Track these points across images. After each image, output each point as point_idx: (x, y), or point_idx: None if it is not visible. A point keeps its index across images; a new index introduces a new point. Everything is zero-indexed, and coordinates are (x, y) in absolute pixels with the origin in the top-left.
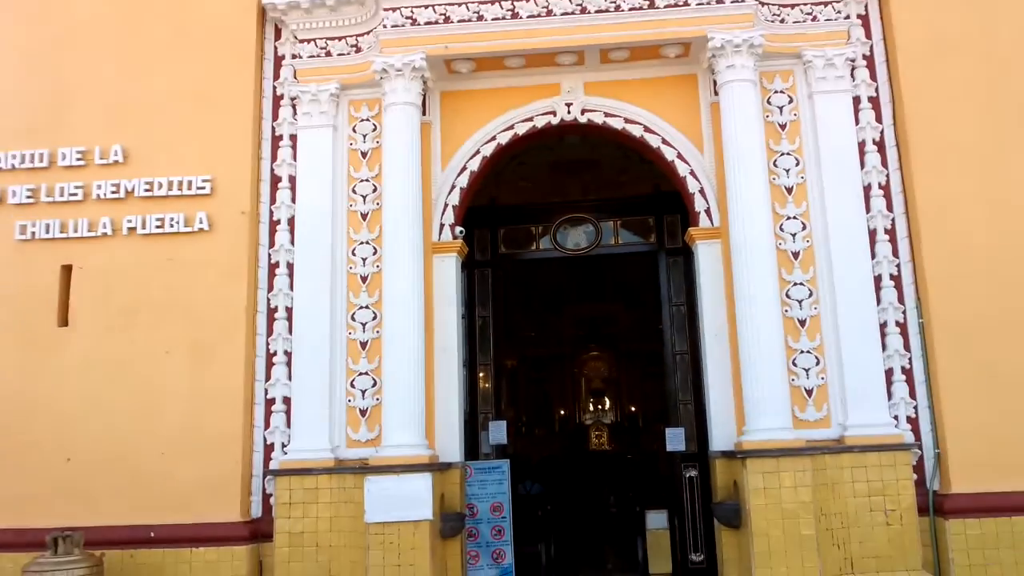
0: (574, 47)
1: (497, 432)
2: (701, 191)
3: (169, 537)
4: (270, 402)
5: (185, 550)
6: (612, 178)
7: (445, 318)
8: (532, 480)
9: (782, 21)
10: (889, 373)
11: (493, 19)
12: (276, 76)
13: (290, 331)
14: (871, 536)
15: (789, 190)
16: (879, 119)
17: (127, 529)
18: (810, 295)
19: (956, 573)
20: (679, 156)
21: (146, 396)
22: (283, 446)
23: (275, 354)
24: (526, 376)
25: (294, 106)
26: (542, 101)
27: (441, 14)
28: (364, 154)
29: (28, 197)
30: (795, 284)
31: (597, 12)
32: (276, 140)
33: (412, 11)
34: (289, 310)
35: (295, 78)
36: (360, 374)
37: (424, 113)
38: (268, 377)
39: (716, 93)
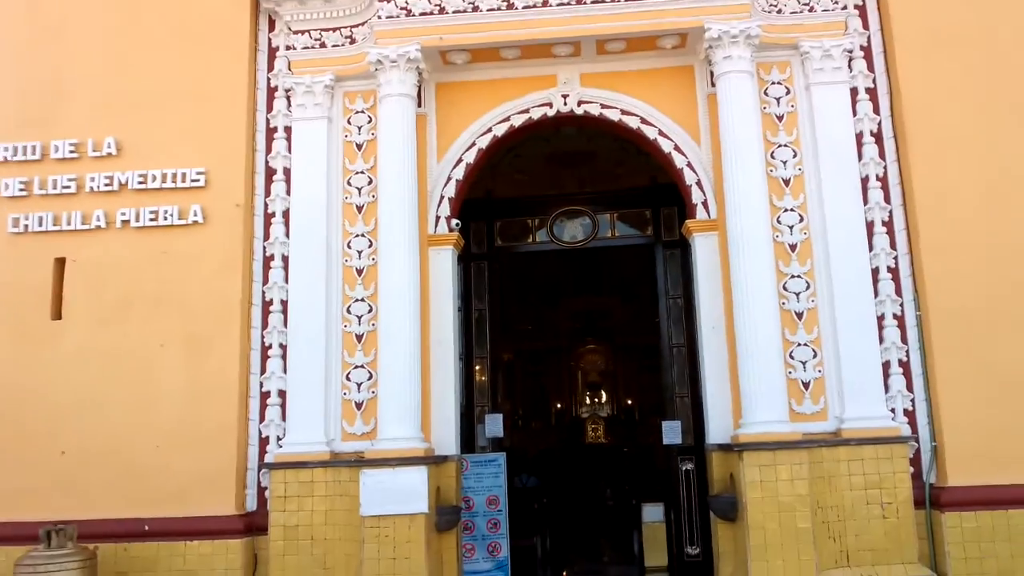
0: (570, 38)
1: (493, 425)
2: (698, 183)
3: (163, 530)
4: (265, 395)
5: (179, 543)
6: (609, 170)
7: (441, 311)
8: (528, 473)
9: (779, 11)
10: (886, 366)
11: (488, 10)
12: (270, 68)
13: (285, 324)
14: (867, 529)
15: (786, 182)
16: (876, 110)
17: (121, 522)
18: (807, 288)
19: (952, 566)
20: (676, 148)
21: (140, 389)
22: (278, 439)
23: (270, 347)
24: (523, 369)
25: (288, 98)
26: (538, 93)
27: (436, 5)
28: (359, 146)
29: (21, 190)
30: (792, 277)
31: (593, 2)
32: (271, 132)
33: (407, 2)
34: (284, 303)
35: (289, 70)
36: (356, 367)
37: (419, 105)
38: (263, 370)
39: (713, 84)
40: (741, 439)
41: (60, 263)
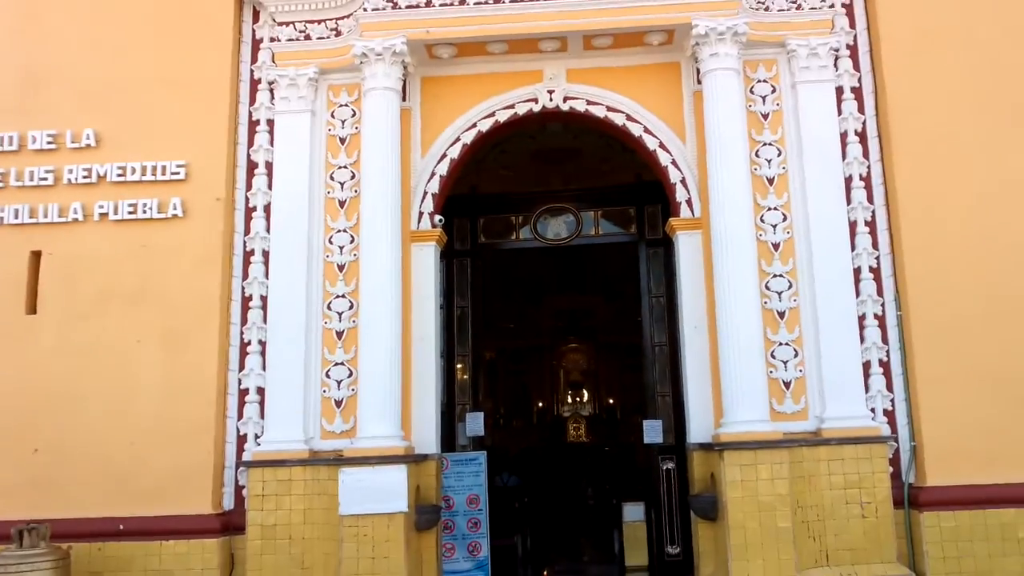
0: (557, 33)
1: (474, 424)
2: (683, 181)
3: (138, 530)
4: (243, 392)
5: (155, 543)
6: (594, 167)
7: (423, 308)
8: (509, 472)
9: (766, 9)
10: (867, 366)
11: (475, 3)
12: (254, 59)
13: (265, 320)
14: (847, 528)
15: (771, 181)
16: (861, 110)
17: (95, 521)
18: (789, 287)
19: (930, 565)
20: (661, 145)
21: (116, 386)
22: (256, 437)
23: (249, 343)
24: (505, 368)
25: (272, 90)
26: (524, 88)
27: None
28: (342, 140)
29: None
30: (775, 276)
31: None
32: (253, 125)
33: None
34: (264, 299)
35: (273, 62)
36: (336, 364)
37: (404, 99)
38: (242, 367)
39: (699, 82)
40: (722, 438)
41: (36, 256)
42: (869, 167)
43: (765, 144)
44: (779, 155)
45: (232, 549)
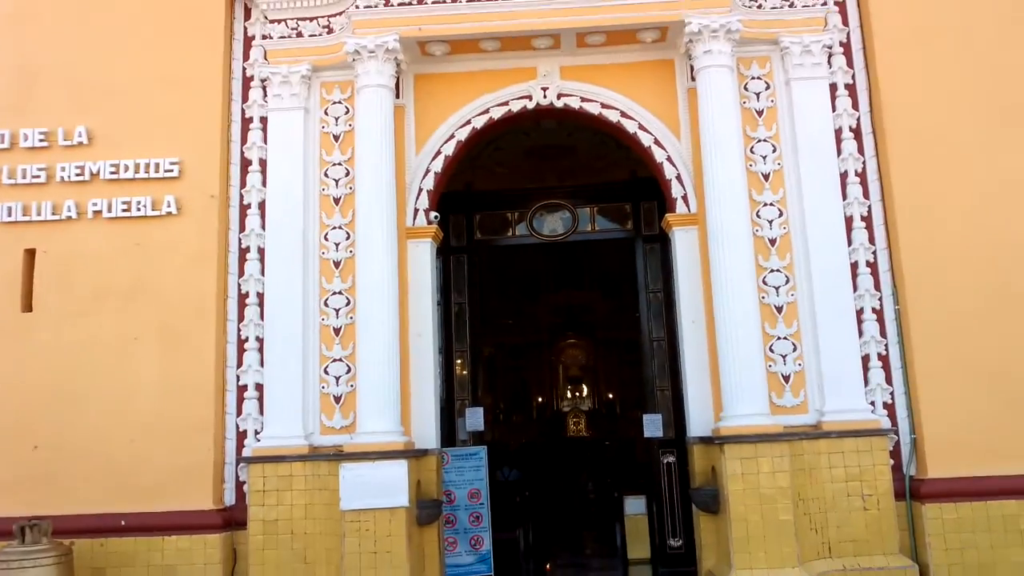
0: (550, 30)
1: (474, 418)
2: (678, 177)
3: (140, 526)
4: (242, 389)
5: (157, 539)
6: (589, 164)
7: (420, 304)
8: (510, 467)
9: (759, 7)
10: (866, 359)
11: (468, 0)
12: (246, 57)
13: (262, 317)
14: (848, 521)
15: (766, 177)
16: (856, 106)
17: (97, 517)
18: (787, 282)
19: (933, 557)
20: (656, 142)
21: (115, 383)
22: (256, 433)
23: (247, 340)
24: (504, 363)
25: (264, 88)
26: (518, 85)
27: None
28: (336, 137)
29: None
30: (772, 271)
31: None
32: (246, 122)
33: None
34: (260, 296)
35: (265, 59)
36: (334, 360)
37: (398, 96)
38: (240, 364)
39: (693, 79)
40: (722, 432)
41: (30, 254)
42: (864, 163)
43: (760, 140)
44: (774, 151)
45: (234, 544)
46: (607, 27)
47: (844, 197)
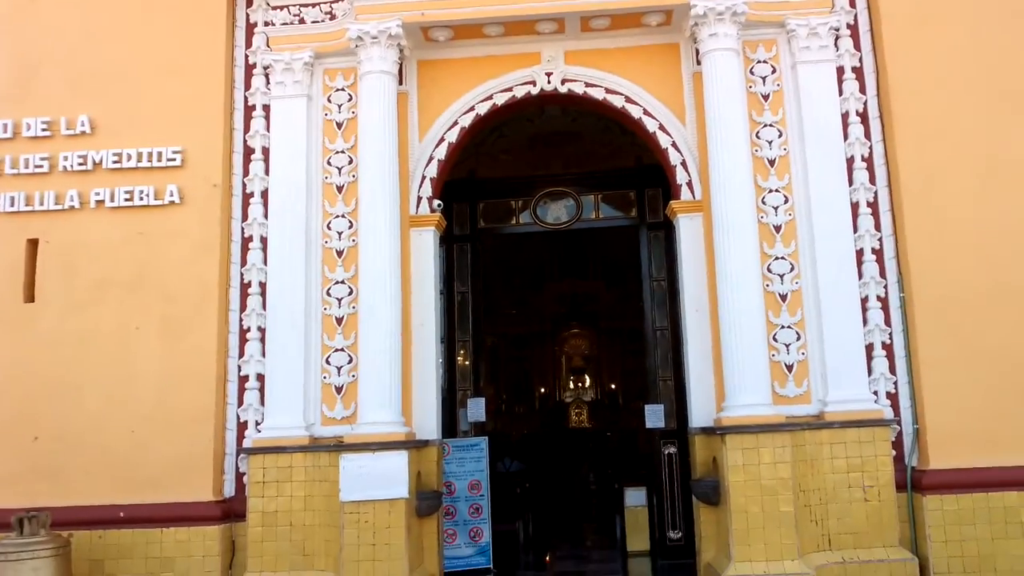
0: (554, 14)
1: (476, 409)
2: (683, 163)
3: (139, 517)
4: (243, 379)
5: (156, 530)
6: (593, 151)
7: (423, 293)
8: (511, 458)
9: None
10: (869, 348)
11: None
12: (248, 44)
13: (264, 307)
14: (849, 512)
15: (772, 162)
16: (863, 90)
17: (96, 509)
18: (791, 269)
19: (933, 549)
20: (661, 127)
21: (116, 373)
22: (257, 424)
23: (248, 330)
24: (506, 353)
25: (267, 75)
26: (522, 71)
27: None
28: (339, 125)
29: None
30: (777, 258)
31: None
32: (249, 110)
33: None
34: (263, 285)
35: (268, 46)
36: (336, 350)
37: (401, 83)
38: (241, 354)
39: (698, 63)
40: (724, 422)
41: (33, 244)
42: (871, 148)
43: (766, 125)
44: (780, 136)
45: (233, 536)
46: (612, 10)
47: (850, 183)
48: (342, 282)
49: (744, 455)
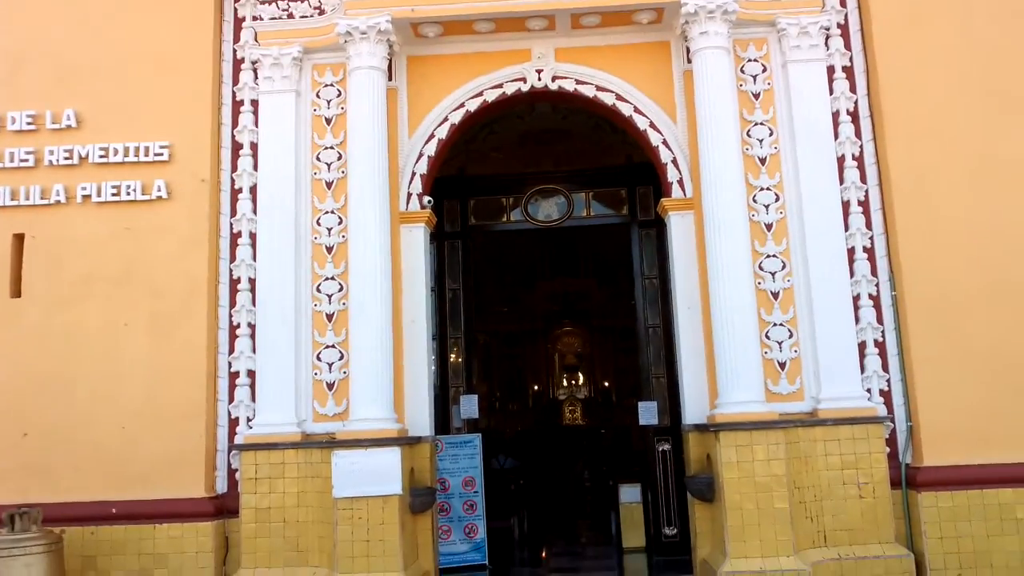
0: (544, 11)
1: (468, 406)
2: (674, 161)
3: (131, 513)
4: (234, 375)
5: (148, 526)
6: (584, 149)
7: (413, 290)
8: (506, 455)
9: None
10: (862, 346)
11: None
12: (236, 39)
13: (254, 303)
14: (844, 509)
15: (762, 160)
16: (853, 89)
17: (88, 505)
18: (783, 267)
19: (928, 545)
20: (651, 125)
21: (105, 369)
22: (248, 420)
23: (238, 326)
24: (499, 351)
25: (255, 70)
26: (512, 67)
27: None
28: (328, 120)
29: None
30: (768, 256)
31: None
32: (237, 105)
33: None
34: (252, 281)
35: (256, 41)
36: (327, 347)
37: (390, 78)
38: (231, 350)
39: (689, 61)
40: (717, 419)
41: (19, 239)
42: (862, 147)
43: (756, 124)
44: (771, 135)
45: (226, 532)
46: (602, 8)
47: (841, 181)
48: (332, 278)
49: (738, 452)
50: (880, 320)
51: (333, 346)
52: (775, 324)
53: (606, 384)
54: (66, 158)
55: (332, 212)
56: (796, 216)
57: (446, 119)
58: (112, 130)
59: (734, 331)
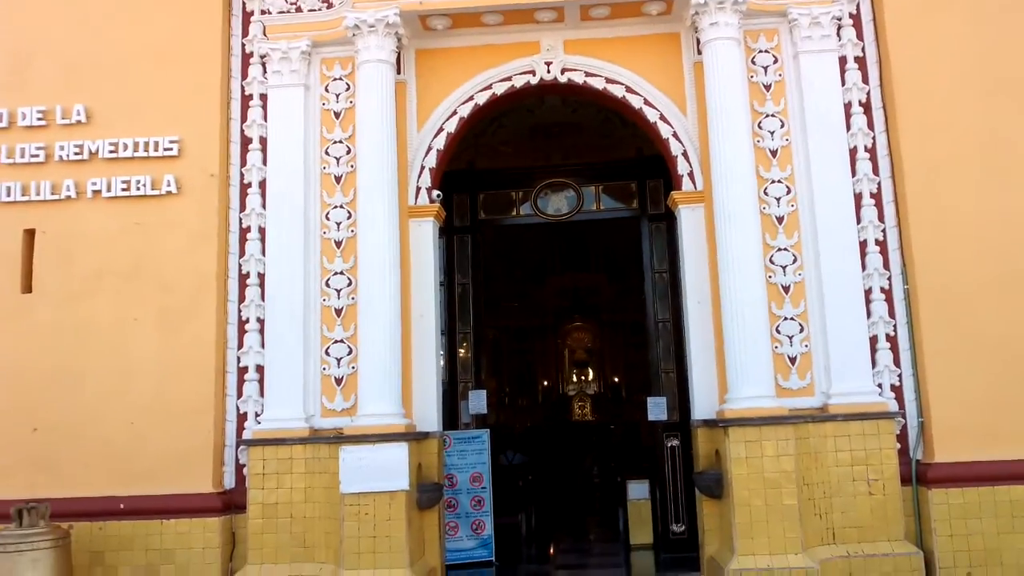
0: (553, 3)
1: (477, 401)
2: (684, 154)
3: (139, 509)
4: (243, 370)
5: (156, 522)
6: (594, 142)
7: (422, 284)
8: (514, 450)
9: None
10: (873, 340)
11: None
12: (245, 33)
13: (263, 297)
14: (853, 506)
15: (774, 153)
16: (865, 80)
17: (96, 500)
18: (794, 261)
19: (938, 543)
20: (661, 118)
21: (114, 364)
22: (256, 415)
23: (247, 321)
24: (508, 346)
25: (264, 64)
26: (521, 60)
27: None
28: (337, 114)
29: None
30: (779, 249)
31: None
32: (246, 100)
33: None
34: (261, 276)
35: (264, 35)
36: (335, 342)
37: (399, 72)
38: (240, 345)
39: (699, 52)
40: (727, 415)
41: (29, 234)
42: (874, 138)
43: (767, 115)
44: (782, 127)
45: (233, 528)
46: None
47: (853, 174)
48: (341, 273)
49: (747, 448)
50: (892, 314)
51: (342, 341)
52: (786, 318)
53: (616, 379)
54: (76, 153)
55: (341, 206)
56: (808, 209)
57: (455, 112)
58: (121, 125)
59: (744, 325)
